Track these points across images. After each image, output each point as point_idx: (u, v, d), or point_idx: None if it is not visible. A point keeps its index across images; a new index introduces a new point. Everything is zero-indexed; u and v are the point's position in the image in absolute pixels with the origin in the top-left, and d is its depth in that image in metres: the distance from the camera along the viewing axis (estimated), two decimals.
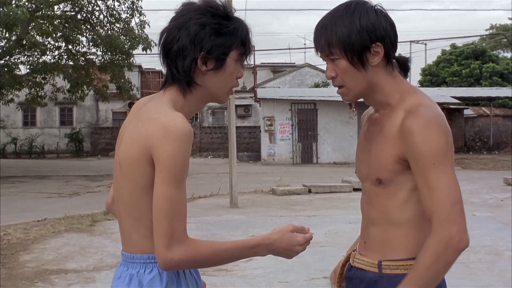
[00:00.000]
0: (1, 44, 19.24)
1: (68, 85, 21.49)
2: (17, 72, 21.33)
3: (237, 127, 19.88)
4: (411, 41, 37.76)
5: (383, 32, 1.66)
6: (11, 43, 18.73)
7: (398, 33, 1.71)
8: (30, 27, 18.67)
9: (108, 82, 22.30)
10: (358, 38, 1.64)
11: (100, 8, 20.08)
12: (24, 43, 18.44)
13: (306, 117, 24.53)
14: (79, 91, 21.53)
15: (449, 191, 1.56)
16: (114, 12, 20.03)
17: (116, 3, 19.80)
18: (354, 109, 23.90)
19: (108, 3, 19.89)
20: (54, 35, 19.43)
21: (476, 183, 14.07)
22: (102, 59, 20.51)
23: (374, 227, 1.76)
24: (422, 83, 34.93)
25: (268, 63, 41.53)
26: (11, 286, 5.54)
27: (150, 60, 54.52)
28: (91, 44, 20.21)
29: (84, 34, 20.57)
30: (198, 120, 34.11)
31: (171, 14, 1.67)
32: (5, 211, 10.24)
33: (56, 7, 18.75)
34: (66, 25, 19.69)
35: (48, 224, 8.83)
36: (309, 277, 5.67)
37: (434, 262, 1.54)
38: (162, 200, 1.49)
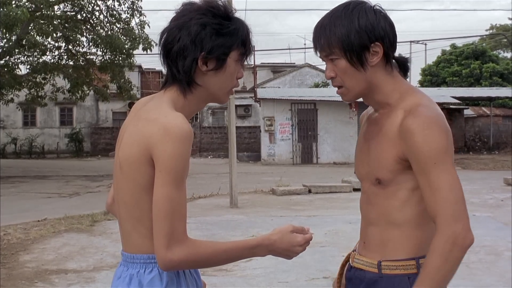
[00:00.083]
0: (1, 44, 19.25)
1: (68, 85, 21.53)
2: (17, 72, 21.33)
3: (237, 127, 19.88)
4: (411, 41, 37.80)
5: (382, 32, 1.66)
6: (11, 43, 18.75)
7: (398, 33, 1.72)
8: (30, 27, 18.66)
9: (108, 82, 22.31)
10: (357, 38, 1.65)
11: (100, 8, 20.08)
12: (24, 43, 18.42)
13: (306, 117, 24.52)
14: (79, 91, 21.56)
15: (451, 190, 1.57)
16: (114, 12, 20.03)
17: (116, 3, 19.82)
18: (354, 109, 23.89)
19: (108, 3, 19.90)
20: (54, 35, 19.41)
21: (476, 183, 14.06)
22: (102, 59, 20.50)
23: (374, 227, 1.76)
24: (422, 83, 34.94)
25: (268, 63, 41.54)
26: (11, 286, 5.54)
27: (150, 60, 54.56)
28: (91, 44, 20.21)
29: (84, 34, 20.58)
30: (198, 120, 34.10)
31: (172, 14, 1.67)
32: (5, 211, 10.24)
33: (56, 7, 18.74)
34: (66, 25, 19.68)
35: (48, 224, 8.82)
36: (309, 277, 5.67)
37: (443, 263, 1.54)
38: (162, 201, 1.49)
